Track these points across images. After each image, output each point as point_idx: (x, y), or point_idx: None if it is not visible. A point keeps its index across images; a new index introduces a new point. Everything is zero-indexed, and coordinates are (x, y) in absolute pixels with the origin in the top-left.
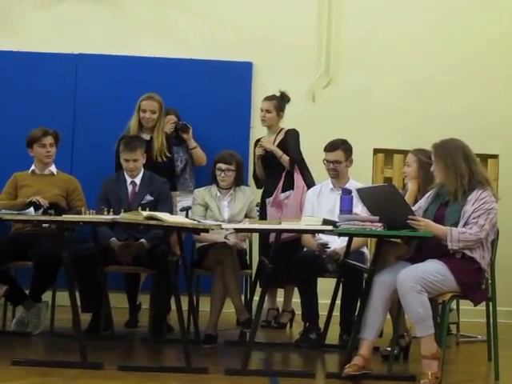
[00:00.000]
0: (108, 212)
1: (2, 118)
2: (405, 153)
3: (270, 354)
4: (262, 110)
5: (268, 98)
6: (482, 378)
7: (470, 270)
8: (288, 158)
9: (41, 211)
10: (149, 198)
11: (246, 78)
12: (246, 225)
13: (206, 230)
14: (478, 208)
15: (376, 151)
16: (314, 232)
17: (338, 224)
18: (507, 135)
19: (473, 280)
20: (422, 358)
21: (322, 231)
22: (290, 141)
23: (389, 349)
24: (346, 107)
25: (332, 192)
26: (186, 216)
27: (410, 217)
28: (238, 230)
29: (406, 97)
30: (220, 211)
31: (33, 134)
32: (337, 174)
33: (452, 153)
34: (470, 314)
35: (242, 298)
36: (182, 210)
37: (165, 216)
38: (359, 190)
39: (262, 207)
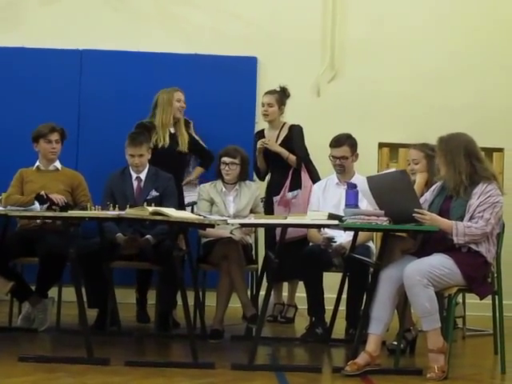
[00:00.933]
0: (114, 207)
1: (7, 114)
2: (410, 147)
3: (276, 348)
4: (263, 105)
5: (269, 92)
6: (489, 372)
7: (476, 264)
8: (295, 157)
9: (45, 206)
10: (154, 193)
11: (251, 72)
12: (252, 220)
13: (212, 226)
14: (484, 202)
15: (381, 145)
16: (319, 226)
17: (343, 218)
18: None
19: (479, 274)
20: (428, 352)
21: (328, 225)
22: (296, 138)
23: (395, 343)
24: (351, 101)
25: (338, 186)
26: (192, 211)
27: (415, 210)
28: (243, 225)
29: (412, 90)
30: (225, 206)
31: (40, 129)
32: (343, 169)
33: (453, 149)
34: (476, 308)
35: (248, 292)
36: (187, 206)
37: (170, 211)
38: (369, 178)
39: (268, 203)
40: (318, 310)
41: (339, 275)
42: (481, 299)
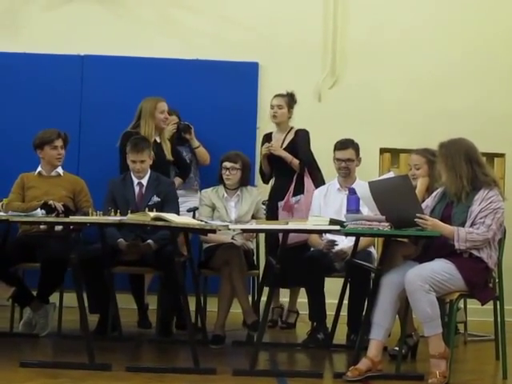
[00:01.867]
0: (115, 213)
1: (9, 119)
2: (411, 152)
3: (277, 354)
4: (272, 107)
5: (279, 95)
6: (490, 377)
7: (478, 269)
8: (298, 161)
9: (54, 215)
10: (156, 199)
11: (252, 78)
12: (253, 225)
13: (213, 231)
14: (485, 208)
15: (382, 151)
16: (321, 232)
17: (344, 224)
18: None
19: (480, 279)
20: (429, 358)
21: (329, 231)
22: (301, 142)
23: (397, 348)
24: (352, 107)
25: (339, 192)
26: (193, 217)
27: (417, 215)
28: (245, 231)
29: (413, 96)
30: (227, 212)
31: (45, 136)
32: (348, 172)
33: (453, 154)
34: (477, 313)
35: (250, 298)
36: (188, 211)
37: (172, 217)
38: (371, 183)
39: (270, 208)
40: (320, 316)
41: (340, 281)
42: (482, 304)
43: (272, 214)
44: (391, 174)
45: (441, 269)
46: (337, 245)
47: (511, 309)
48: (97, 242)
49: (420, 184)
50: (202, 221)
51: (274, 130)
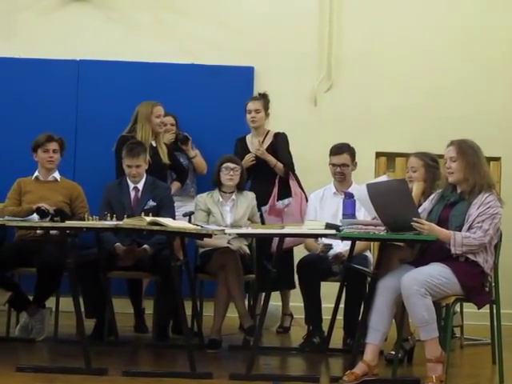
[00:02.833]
0: (111, 218)
1: (4, 125)
2: (407, 156)
3: (274, 358)
4: (249, 112)
5: (255, 98)
6: (487, 381)
7: (474, 273)
8: (282, 165)
9: (48, 219)
10: (151, 203)
11: (248, 82)
12: (249, 230)
13: (209, 235)
14: (483, 212)
15: (378, 155)
16: (317, 236)
17: (340, 228)
18: (509, 138)
19: (476, 283)
20: (426, 362)
21: (325, 235)
22: (282, 146)
23: (393, 352)
24: (348, 111)
25: (335, 196)
26: (189, 221)
27: (414, 219)
28: (241, 235)
29: (408, 100)
30: (222, 216)
31: (38, 139)
32: (343, 177)
33: (477, 151)
34: (473, 317)
35: (246, 302)
36: (184, 216)
37: (168, 221)
38: (368, 185)
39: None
40: (316, 320)
41: (337, 285)
42: (478, 308)
43: None
44: (385, 178)
45: (437, 273)
46: (331, 248)
47: (507, 313)
48: (93, 247)
49: (416, 188)
50: (197, 225)
51: (249, 134)
